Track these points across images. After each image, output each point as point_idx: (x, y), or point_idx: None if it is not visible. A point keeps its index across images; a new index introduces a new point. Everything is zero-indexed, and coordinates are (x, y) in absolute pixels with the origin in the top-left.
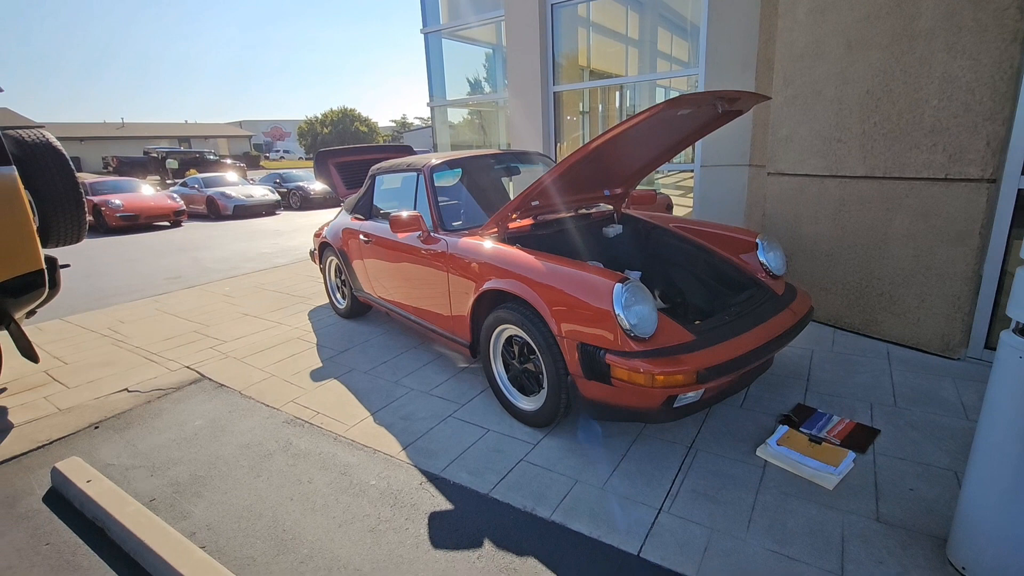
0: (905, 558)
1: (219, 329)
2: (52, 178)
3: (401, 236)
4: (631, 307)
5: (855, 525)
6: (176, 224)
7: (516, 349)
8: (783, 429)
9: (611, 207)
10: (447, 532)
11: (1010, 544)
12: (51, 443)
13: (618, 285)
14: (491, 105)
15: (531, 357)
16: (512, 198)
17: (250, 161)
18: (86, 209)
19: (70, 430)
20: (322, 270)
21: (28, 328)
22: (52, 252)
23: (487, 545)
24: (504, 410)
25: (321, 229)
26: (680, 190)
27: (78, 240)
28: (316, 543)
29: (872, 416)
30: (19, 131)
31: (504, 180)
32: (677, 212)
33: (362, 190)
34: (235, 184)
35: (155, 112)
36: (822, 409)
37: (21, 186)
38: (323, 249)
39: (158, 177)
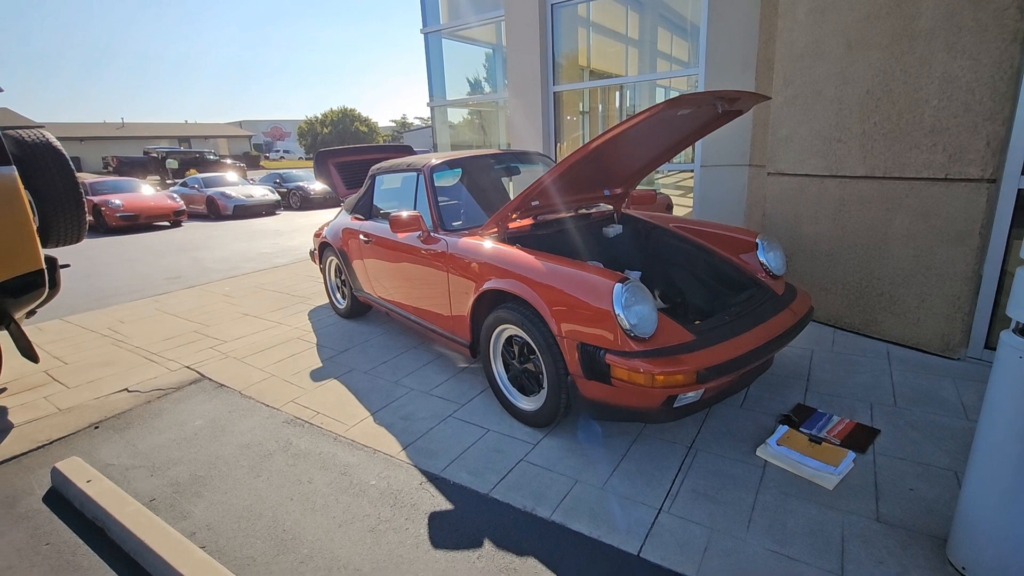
0: (905, 558)
1: (219, 329)
2: (52, 178)
3: (401, 236)
4: (631, 307)
5: (855, 525)
6: (176, 224)
7: (516, 349)
8: (783, 429)
9: (611, 207)
10: (447, 532)
11: (1010, 544)
12: (51, 443)
13: (618, 285)
14: (491, 105)
15: (531, 357)
16: (512, 198)
17: (250, 161)
18: (86, 209)
19: (70, 430)
20: (322, 270)
21: (28, 328)
22: (52, 252)
23: (487, 545)
24: (504, 410)
25: (321, 229)
26: (680, 190)
27: (78, 240)
28: (316, 543)
29: (872, 416)
30: (19, 131)
31: (504, 180)
32: (677, 212)
33: (362, 190)
34: (235, 184)
35: (155, 112)
36: (822, 409)
37: (21, 186)
38: (323, 249)
39: (158, 177)
